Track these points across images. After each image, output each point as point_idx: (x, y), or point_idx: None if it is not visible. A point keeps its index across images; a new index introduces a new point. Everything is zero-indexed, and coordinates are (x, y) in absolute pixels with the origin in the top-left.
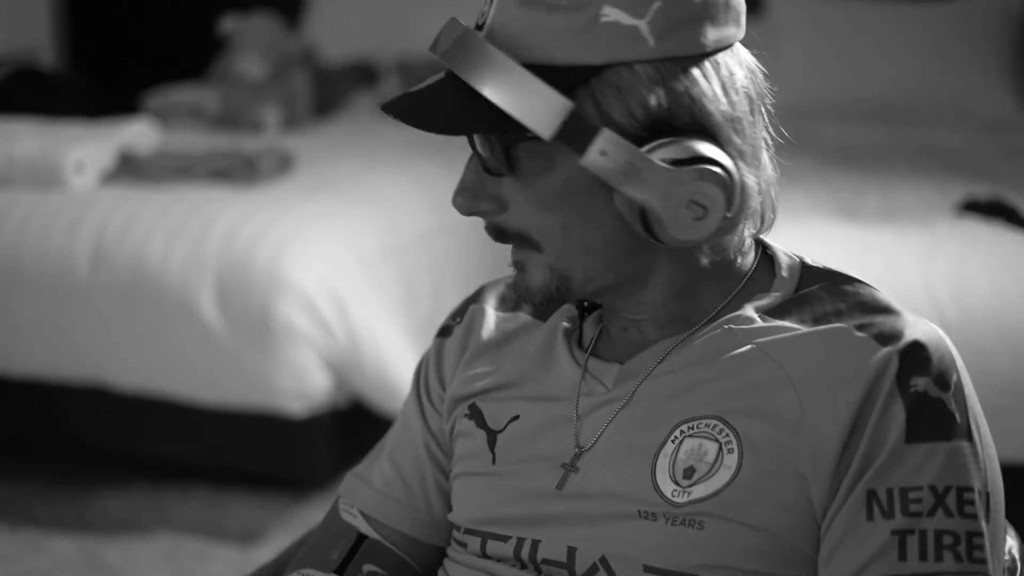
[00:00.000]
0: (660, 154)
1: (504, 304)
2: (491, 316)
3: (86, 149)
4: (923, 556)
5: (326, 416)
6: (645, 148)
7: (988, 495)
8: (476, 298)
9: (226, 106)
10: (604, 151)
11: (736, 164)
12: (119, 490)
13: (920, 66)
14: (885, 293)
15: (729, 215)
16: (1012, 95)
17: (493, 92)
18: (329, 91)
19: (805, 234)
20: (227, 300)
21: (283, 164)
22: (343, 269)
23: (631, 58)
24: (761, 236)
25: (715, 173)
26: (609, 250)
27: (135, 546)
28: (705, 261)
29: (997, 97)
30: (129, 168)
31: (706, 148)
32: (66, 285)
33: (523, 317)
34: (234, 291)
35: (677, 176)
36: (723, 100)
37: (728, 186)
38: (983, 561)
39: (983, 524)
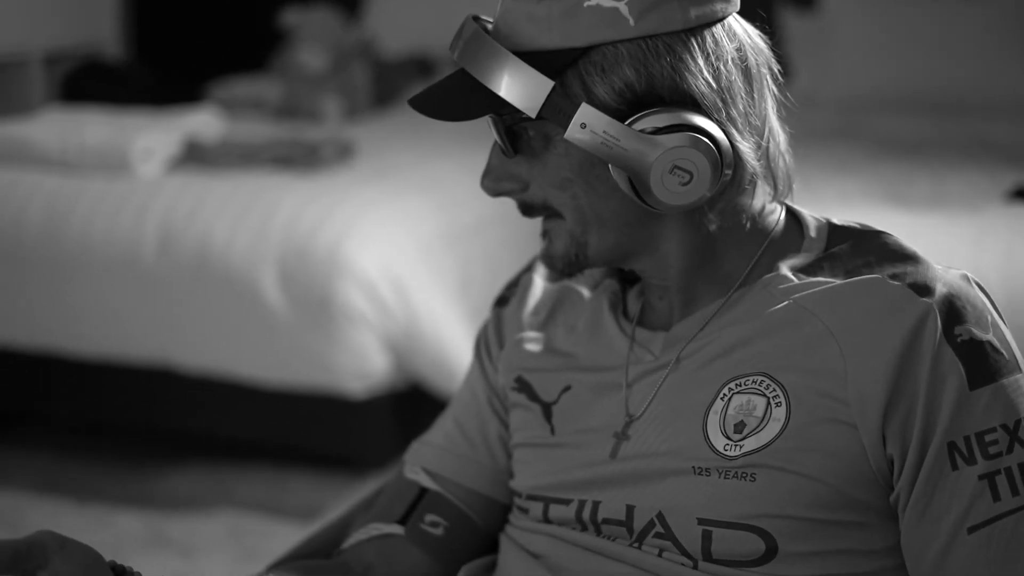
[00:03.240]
0: (641, 124)
1: (551, 275)
2: (539, 286)
3: (153, 137)
4: (1015, 491)
5: (385, 397)
6: (628, 120)
7: None
8: (528, 268)
9: (287, 97)
10: (584, 124)
11: (727, 131)
12: (184, 468)
13: (972, 59)
14: (908, 241)
15: (724, 179)
16: None
17: (486, 78)
18: (387, 83)
19: (853, 219)
20: (289, 283)
21: (344, 152)
22: (402, 253)
23: (613, 38)
24: (788, 202)
25: (697, 139)
26: (617, 219)
27: (199, 522)
28: (712, 227)
29: None
30: (194, 155)
31: (689, 117)
32: (134, 269)
33: (568, 287)
34: (296, 274)
35: (656, 143)
36: (707, 72)
37: (713, 152)
38: None
39: None
